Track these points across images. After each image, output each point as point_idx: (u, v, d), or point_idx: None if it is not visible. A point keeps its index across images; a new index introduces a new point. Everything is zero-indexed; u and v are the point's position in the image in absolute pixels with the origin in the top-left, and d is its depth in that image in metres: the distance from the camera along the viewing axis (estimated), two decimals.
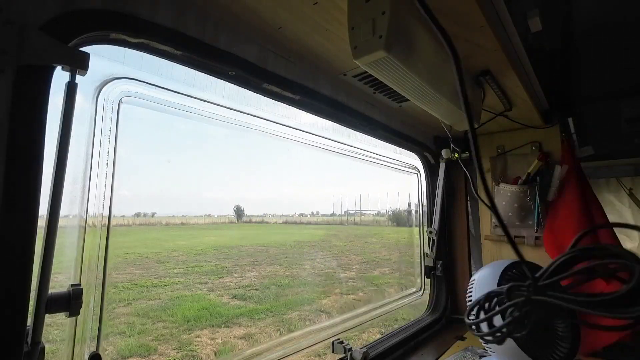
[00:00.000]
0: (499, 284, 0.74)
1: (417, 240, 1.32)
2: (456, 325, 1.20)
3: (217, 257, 9.77)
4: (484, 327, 0.35)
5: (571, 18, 0.78)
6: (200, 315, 4.64)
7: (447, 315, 1.23)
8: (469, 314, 0.39)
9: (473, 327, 0.37)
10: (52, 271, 0.39)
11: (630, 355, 0.83)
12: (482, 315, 0.36)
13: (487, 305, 0.36)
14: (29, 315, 0.36)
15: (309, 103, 0.72)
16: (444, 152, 0.91)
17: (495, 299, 0.36)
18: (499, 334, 0.33)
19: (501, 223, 0.35)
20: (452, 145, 1.10)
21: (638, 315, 0.25)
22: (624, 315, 0.26)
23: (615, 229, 0.89)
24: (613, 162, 1.78)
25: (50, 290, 0.40)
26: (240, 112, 0.68)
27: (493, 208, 0.34)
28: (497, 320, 0.34)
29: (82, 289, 0.43)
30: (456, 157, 0.85)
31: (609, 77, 0.96)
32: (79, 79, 0.40)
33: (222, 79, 0.58)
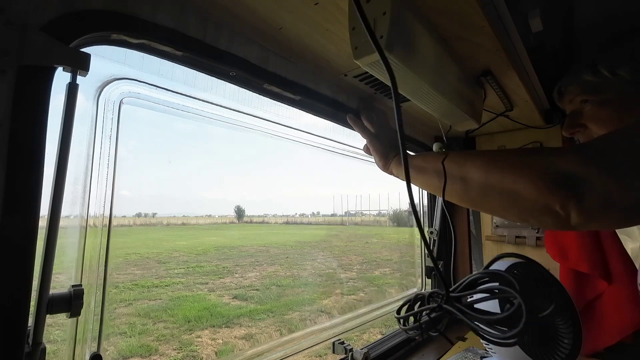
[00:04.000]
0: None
1: (418, 241, 1.31)
2: (457, 326, 1.20)
3: (217, 258, 9.79)
4: (410, 322, 0.44)
5: (572, 18, 0.78)
6: (201, 316, 4.64)
7: None
8: (399, 310, 0.47)
9: (400, 320, 0.45)
10: (53, 271, 0.39)
11: (633, 356, 0.83)
12: (403, 313, 0.45)
13: (415, 305, 0.44)
14: (30, 315, 0.36)
15: (309, 103, 0.72)
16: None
17: (420, 302, 0.43)
18: (413, 331, 0.42)
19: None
20: (444, 141, 1.06)
21: (509, 336, 0.33)
22: (498, 337, 0.34)
23: (617, 230, 0.89)
24: None
25: (51, 291, 0.40)
26: (241, 112, 0.68)
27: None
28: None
29: (83, 289, 0.43)
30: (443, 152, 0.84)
31: None
32: (80, 79, 0.40)
33: (222, 80, 0.58)
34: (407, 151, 0.69)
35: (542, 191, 0.43)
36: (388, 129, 0.74)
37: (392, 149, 0.70)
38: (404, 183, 0.44)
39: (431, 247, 1.26)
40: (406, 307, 0.45)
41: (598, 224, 0.44)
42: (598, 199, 0.41)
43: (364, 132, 0.74)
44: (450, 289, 0.41)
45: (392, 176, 0.71)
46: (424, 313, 0.42)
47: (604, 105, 0.70)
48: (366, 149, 0.76)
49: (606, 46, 0.79)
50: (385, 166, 0.70)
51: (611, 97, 0.69)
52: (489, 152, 0.56)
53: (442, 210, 1.27)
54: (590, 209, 0.41)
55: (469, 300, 0.39)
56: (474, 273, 0.41)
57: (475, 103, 0.75)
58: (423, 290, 0.42)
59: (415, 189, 0.71)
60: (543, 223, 0.46)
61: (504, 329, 0.34)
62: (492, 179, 0.49)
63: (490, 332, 0.35)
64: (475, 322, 0.37)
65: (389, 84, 0.55)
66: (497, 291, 0.36)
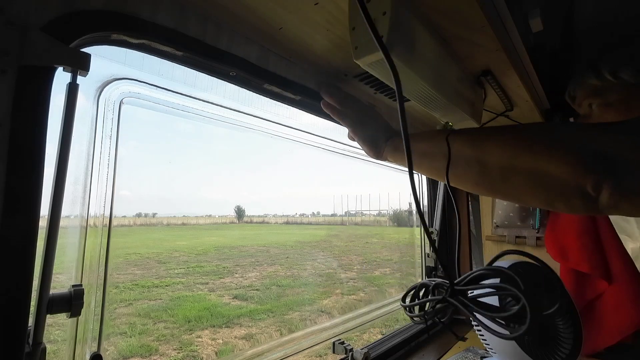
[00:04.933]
0: None
1: (418, 241, 1.32)
2: (457, 326, 1.20)
3: (218, 258, 9.79)
4: (416, 309, 0.46)
5: (573, 17, 0.78)
6: (201, 316, 4.64)
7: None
8: (404, 297, 0.48)
9: (406, 308, 0.47)
10: (54, 271, 0.39)
11: (633, 356, 0.83)
12: (408, 300, 0.48)
13: (420, 292, 0.46)
14: (30, 315, 0.36)
15: (309, 103, 0.72)
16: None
17: (424, 290, 0.45)
18: (417, 319, 0.45)
19: None
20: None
21: (517, 335, 0.34)
22: (505, 334, 0.36)
23: (617, 230, 0.89)
24: None
25: (52, 291, 0.40)
26: (241, 112, 0.68)
27: None
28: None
29: (83, 289, 0.43)
30: None
31: None
32: (80, 79, 0.40)
33: (223, 80, 0.58)
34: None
35: (578, 171, 0.39)
36: (368, 112, 0.64)
37: (381, 133, 0.61)
38: (404, 183, 0.44)
39: (431, 247, 1.26)
40: (411, 294, 0.47)
41: (628, 207, 0.41)
42: (634, 178, 0.38)
43: (345, 119, 0.65)
44: (455, 282, 0.41)
45: (387, 165, 0.66)
46: (428, 304, 0.43)
47: (608, 108, 0.70)
48: (351, 137, 0.68)
49: (606, 47, 0.79)
50: (378, 154, 0.62)
51: (614, 100, 0.69)
52: (509, 128, 0.49)
53: (443, 209, 1.27)
54: (625, 190, 0.38)
55: (469, 294, 0.40)
56: (478, 268, 0.41)
57: (475, 103, 0.74)
58: (428, 280, 0.43)
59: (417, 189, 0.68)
60: (571, 206, 0.42)
61: (511, 325, 0.35)
62: (520, 160, 0.43)
63: (494, 328, 0.36)
64: (478, 316, 0.38)
65: (391, 83, 0.56)
66: (501, 288, 0.37)
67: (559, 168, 0.41)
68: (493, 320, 0.36)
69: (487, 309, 0.37)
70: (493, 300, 0.48)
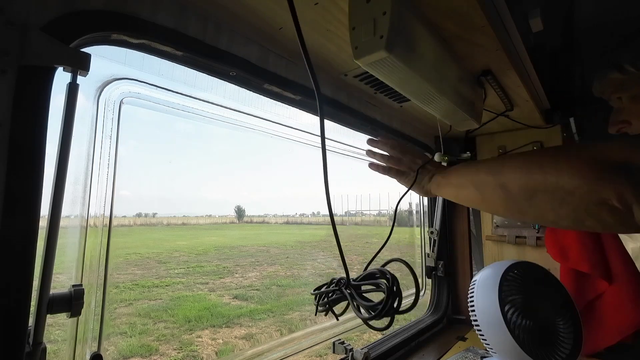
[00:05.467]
0: (500, 285, 0.74)
1: (419, 241, 1.32)
2: (457, 326, 1.20)
3: (218, 258, 9.79)
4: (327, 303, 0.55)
5: (573, 17, 0.78)
6: (201, 316, 4.64)
7: (448, 316, 1.23)
8: (317, 288, 0.57)
9: (315, 296, 0.55)
10: (54, 271, 0.39)
11: (633, 356, 0.83)
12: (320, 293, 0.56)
13: (326, 286, 0.55)
14: (30, 315, 0.36)
15: (309, 103, 0.72)
16: (436, 156, 0.91)
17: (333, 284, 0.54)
18: (321, 308, 0.54)
19: None
20: (442, 148, 1.10)
21: (384, 327, 0.48)
22: (374, 324, 0.48)
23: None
24: None
25: (52, 291, 0.40)
26: (241, 112, 0.68)
27: None
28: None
29: (83, 289, 0.43)
30: (446, 160, 0.88)
31: None
32: (80, 79, 0.40)
33: (223, 80, 0.58)
34: (431, 158, 0.69)
35: (592, 182, 0.39)
36: (407, 156, 0.70)
37: (424, 175, 0.68)
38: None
39: (431, 247, 1.26)
40: (324, 287, 0.56)
41: None
42: None
43: (399, 177, 0.72)
44: (353, 278, 0.51)
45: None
46: (330, 294, 0.54)
47: (637, 99, 0.70)
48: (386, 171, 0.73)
49: (608, 46, 0.79)
50: (428, 193, 0.69)
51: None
52: (524, 152, 0.54)
53: (443, 210, 1.27)
54: None
55: (362, 288, 0.50)
56: (372, 269, 0.50)
57: (476, 103, 0.74)
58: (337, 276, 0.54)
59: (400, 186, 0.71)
60: (602, 222, 0.41)
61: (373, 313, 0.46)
62: (533, 178, 0.45)
63: (363, 314, 0.48)
64: (358, 305, 0.49)
65: (391, 83, 0.56)
66: (379, 285, 0.48)
67: (573, 180, 0.41)
68: (367, 309, 0.47)
69: (365, 300, 0.49)
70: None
